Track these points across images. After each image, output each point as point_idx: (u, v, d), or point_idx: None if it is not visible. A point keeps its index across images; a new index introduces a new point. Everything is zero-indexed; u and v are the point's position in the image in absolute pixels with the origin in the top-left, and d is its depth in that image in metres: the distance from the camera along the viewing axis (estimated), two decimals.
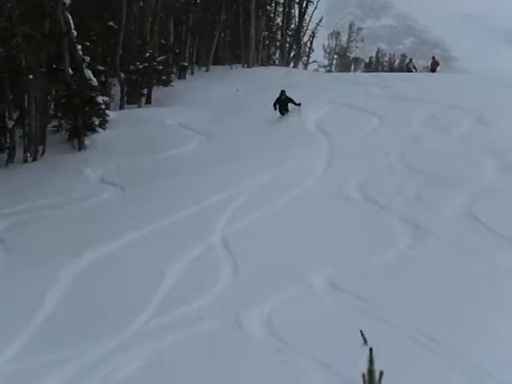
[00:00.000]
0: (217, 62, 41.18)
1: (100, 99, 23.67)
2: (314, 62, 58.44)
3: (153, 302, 11.20)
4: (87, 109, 22.97)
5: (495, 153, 18.15)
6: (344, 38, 73.35)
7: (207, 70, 38.88)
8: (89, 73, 23.33)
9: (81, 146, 22.45)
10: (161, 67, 30.92)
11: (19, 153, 21.72)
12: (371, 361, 7.22)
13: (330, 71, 63.34)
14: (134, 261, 12.95)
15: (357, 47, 73.34)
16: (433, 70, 39.42)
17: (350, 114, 23.94)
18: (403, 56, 74.03)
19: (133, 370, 9.01)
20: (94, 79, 23.57)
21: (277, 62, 50.08)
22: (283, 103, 23.92)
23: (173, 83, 32.28)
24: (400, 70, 57.28)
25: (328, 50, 71.06)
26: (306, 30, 51.62)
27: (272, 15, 48.92)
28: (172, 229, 14.64)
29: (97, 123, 23.36)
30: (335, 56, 71.62)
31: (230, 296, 11.40)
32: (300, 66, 52.62)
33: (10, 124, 21.62)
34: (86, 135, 22.74)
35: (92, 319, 10.66)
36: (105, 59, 29.11)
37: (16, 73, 21.46)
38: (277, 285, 11.58)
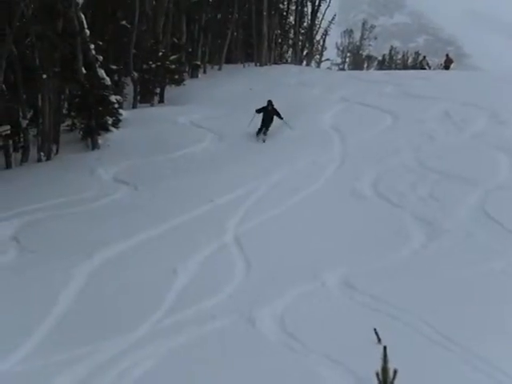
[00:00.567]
0: (229, 61, 41.17)
1: (113, 98, 23.73)
2: (327, 60, 58.26)
3: (166, 300, 11.22)
4: (100, 108, 23.02)
5: (509, 150, 18.06)
6: (357, 35, 73.11)
7: (220, 69, 38.87)
8: (102, 72, 23.38)
9: (94, 145, 22.52)
10: (173, 66, 30.94)
11: (33, 152, 21.82)
12: (385, 359, 7.20)
13: (342, 69, 63.16)
14: (147, 259, 12.97)
15: (370, 45, 73.08)
16: (446, 67, 39.27)
17: (364, 112, 23.87)
18: (417, 54, 73.66)
19: (146, 368, 9.02)
20: (107, 78, 23.62)
21: (289, 60, 49.99)
22: (268, 115, 21.90)
23: (185, 82, 32.31)
24: (413, 67, 57.00)
25: (341, 48, 70.85)
26: (318, 28, 51.48)
27: (285, 13, 48.81)
28: (185, 228, 14.65)
29: (110, 122, 23.41)
30: (348, 54, 71.40)
31: (242, 294, 11.40)
32: (313, 64, 52.49)
33: (24, 123, 21.72)
34: (99, 134, 22.80)
35: (105, 318, 10.68)
36: (118, 58, 29.15)
37: (29, 72, 21.54)
38: (290, 283, 11.57)
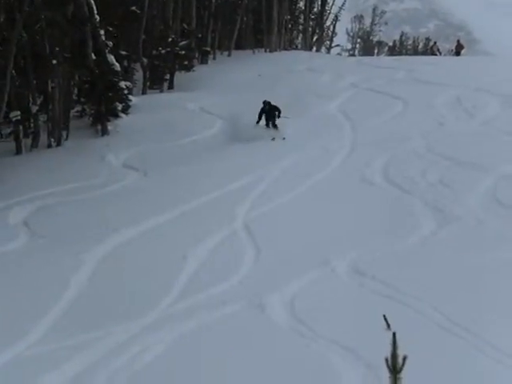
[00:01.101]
0: (239, 47, 41.02)
1: (123, 84, 23.73)
2: (337, 45, 57.96)
3: (176, 286, 11.26)
4: (110, 94, 23.02)
5: None
6: (367, 21, 72.67)
7: (229, 55, 38.77)
8: (111, 58, 23.38)
9: (104, 131, 22.53)
10: (183, 52, 30.89)
11: (43, 138, 21.87)
12: (394, 345, 7.20)
13: (353, 55, 62.88)
14: (157, 245, 13.02)
15: (380, 31, 72.64)
16: (457, 53, 39.00)
17: (374, 98, 23.78)
18: (427, 39, 73.13)
19: (157, 353, 9.06)
20: (117, 64, 23.62)
21: (299, 46, 49.77)
22: (269, 114, 21.05)
23: (195, 68, 32.25)
24: (424, 53, 56.70)
25: (351, 33, 70.49)
26: (328, 13, 51.26)
27: None
28: (194, 214, 14.67)
29: (119, 108, 23.41)
30: (358, 40, 71.04)
31: (252, 280, 11.43)
32: (323, 50, 52.26)
33: (34, 109, 21.76)
34: (108, 120, 22.81)
35: (116, 303, 10.74)
36: (127, 44, 29.11)
37: (39, 58, 21.56)
38: (299, 269, 11.59)
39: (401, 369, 7.43)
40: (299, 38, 51.81)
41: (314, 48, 49.61)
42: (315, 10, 49.94)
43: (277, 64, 32.43)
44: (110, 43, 23.90)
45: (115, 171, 18.49)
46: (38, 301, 10.86)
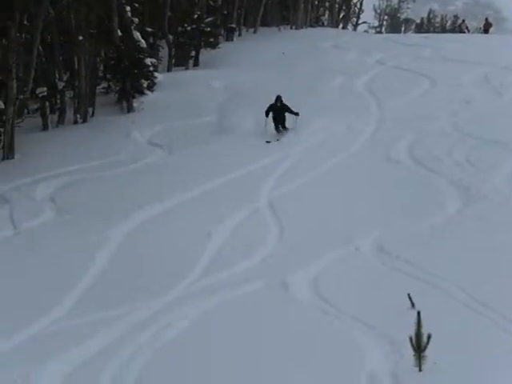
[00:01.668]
0: (265, 24, 40.71)
1: (148, 61, 23.72)
2: (364, 23, 57.26)
3: (200, 263, 11.32)
4: (135, 71, 23.05)
5: None
6: None
7: (255, 32, 38.51)
8: (137, 34, 23.36)
9: (129, 108, 22.58)
10: (209, 29, 30.76)
11: (69, 114, 21.97)
12: (419, 324, 7.20)
13: (380, 32, 62.12)
14: (181, 222, 13.06)
15: (408, 8, 71.62)
16: (485, 31, 38.46)
17: (401, 76, 23.52)
18: (455, 17, 72.11)
19: (180, 329, 9.12)
20: (143, 41, 23.60)
21: (326, 23, 49.33)
22: (279, 113, 18.67)
23: (220, 45, 32.10)
24: (452, 31, 55.92)
25: (378, 10, 69.55)
26: None
27: None
28: (219, 191, 14.68)
29: (145, 85, 23.43)
30: (385, 17, 70.20)
31: (276, 258, 11.45)
32: (349, 27, 51.76)
33: (61, 85, 21.88)
34: (134, 97, 22.85)
35: (141, 279, 10.81)
36: (153, 21, 29.04)
37: (66, 34, 21.62)
38: (323, 247, 11.58)
39: (425, 347, 7.46)
40: (325, 15, 51.33)
41: (341, 25, 49.13)
42: None
43: (302, 41, 32.18)
44: (136, 20, 23.88)
45: (140, 148, 18.55)
46: (64, 276, 10.97)
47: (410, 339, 7.42)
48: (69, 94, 22.54)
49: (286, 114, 18.65)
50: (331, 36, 34.36)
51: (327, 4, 50.08)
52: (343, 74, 23.85)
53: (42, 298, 10.21)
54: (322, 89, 22.28)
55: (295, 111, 18.42)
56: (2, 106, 18.83)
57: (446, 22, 73.92)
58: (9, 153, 18.57)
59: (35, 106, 21.91)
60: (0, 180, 16.13)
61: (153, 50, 27.11)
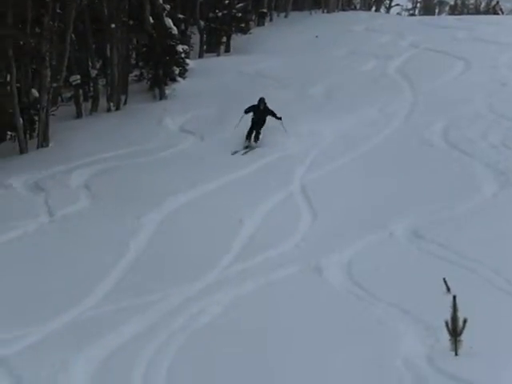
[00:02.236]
0: (296, 8, 40.45)
1: (180, 48, 23.71)
2: (397, 5, 56.59)
3: (233, 248, 11.36)
4: (167, 58, 23.08)
5: None
6: None
7: (286, 16, 38.30)
8: (169, 21, 23.36)
9: (161, 95, 22.62)
10: (240, 14, 30.67)
11: (102, 102, 22.10)
12: (455, 308, 7.12)
13: (413, 15, 61.39)
14: (214, 209, 13.09)
15: None
16: None
17: (435, 58, 23.22)
18: None
19: (214, 314, 9.16)
20: (174, 28, 23.59)
21: (358, 6, 48.84)
22: (260, 116, 17.17)
23: (251, 31, 31.99)
24: (486, 12, 55.08)
25: None
26: None
27: None
28: (251, 178, 14.70)
29: (177, 72, 23.45)
30: None
31: (309, 244, 11.42)
32: (382, 10, 51.20)
33: (94, 73, 22.02)
34: (166, 84, 22.89)
35: (174, 265, 10.87)
36: (184, 7, 29.04)
37: (98, 22, 21.71)
38: (356, 232, 11.52)
39: (461, 332, 7.39)
40: None
41: (373, 8, 48.62)
42: None
43: (334, 25, 31.93)
44: (168, 7, 23.85)
45: (172, 135, 18.58)
46: (99, 263, 11.06)
47: (446, 323, 7.36)
48: (102, 81, 22.68)
49: (268, 118, 17.20)
50: (364, 19, 34.02)
51: None
52: (376, 58, 23.63)
53: (78, 285, 10.30)
54: (355, 73, 22.09)
55: (278, 116, 17.06)
56: (37, 95, 19.06)
57: (480, 3, 72.72)
58: (43, 141, 18.76)
59: (69, 95, 22.10)
60: (35, 168, 16.28)
61: (184, 37, 27.10)
